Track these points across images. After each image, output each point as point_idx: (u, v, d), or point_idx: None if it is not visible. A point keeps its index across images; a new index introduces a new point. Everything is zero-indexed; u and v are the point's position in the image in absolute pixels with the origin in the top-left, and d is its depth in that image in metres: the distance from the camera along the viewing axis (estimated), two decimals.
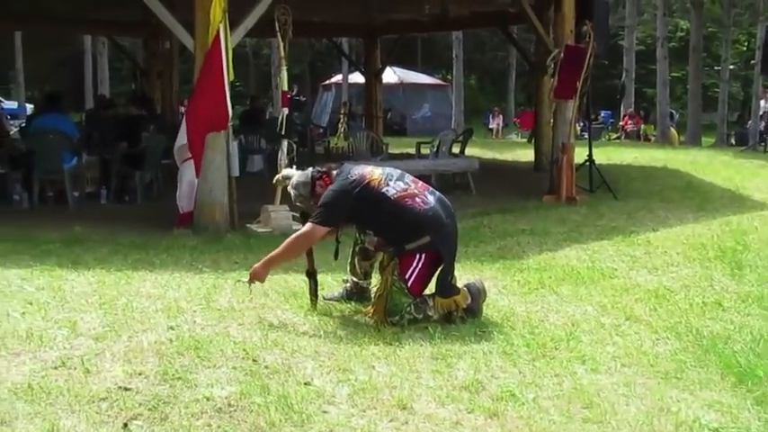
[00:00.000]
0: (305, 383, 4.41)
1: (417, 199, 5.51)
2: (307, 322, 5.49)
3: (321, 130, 22.85)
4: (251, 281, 5.65)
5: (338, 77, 34.01)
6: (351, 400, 4.22)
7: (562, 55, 11.68)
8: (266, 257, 5.67)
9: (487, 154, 19.24)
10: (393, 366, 4.68)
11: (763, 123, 24.56)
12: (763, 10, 29.59)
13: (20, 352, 4.78)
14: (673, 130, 28.93)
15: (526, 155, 17.87)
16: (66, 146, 11.23)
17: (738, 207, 10.79)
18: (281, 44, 9.57)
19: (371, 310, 5.55)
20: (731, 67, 32.98)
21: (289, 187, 5.91)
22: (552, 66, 11.94)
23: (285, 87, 9.90)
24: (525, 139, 25.96)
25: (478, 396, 4.29)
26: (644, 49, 37.23)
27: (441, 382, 4.47)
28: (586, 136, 14.76)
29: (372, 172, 5.56)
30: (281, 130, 9.68)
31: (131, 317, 5.53)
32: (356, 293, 5.97)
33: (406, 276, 5.46)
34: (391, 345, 5.03)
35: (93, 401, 4.10)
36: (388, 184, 5.49)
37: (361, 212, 5.54)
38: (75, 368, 4.53)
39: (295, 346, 4.97)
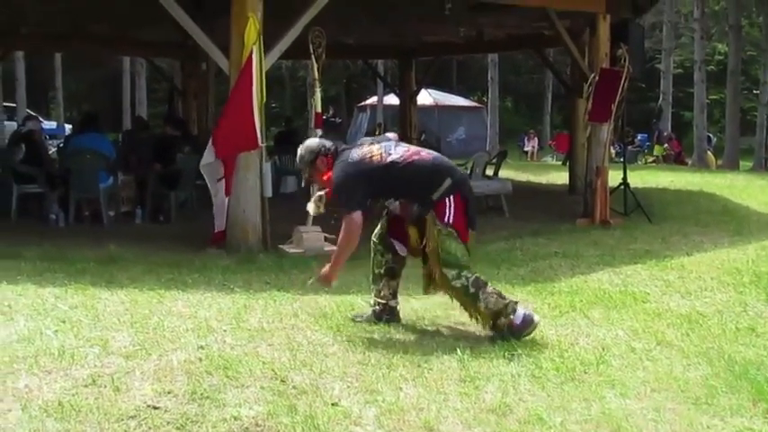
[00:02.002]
0: (332, 404, 4.41)
1: (422, 153, 5.77)
2: (335, 343, 5.50)
3: None
4: (322, 282, 5.83)
5: (373, 99, 34.16)
6: (378, 421, 4.22)
7: (597, 78, 11.66)
8: (332, 261, 5.75)
9: (522, 176, 19.19)
10: (421, 388, 4.67)
11: None
12: None
13: (51, 369, 4.83)
14: (710, 153, 28.69)
15: (561, 177, 17.80)
16: (102, 165, 11.37)
17: None
18: (315, 66, 9.65)
19: (431, 271, 5.70)
20: None
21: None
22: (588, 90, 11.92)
23: (319, 109, 9.97)
24: (560, 162, 25.89)
25: (506, 419, 4.28)
26: (682, 72, 37.02)
27: (468, 404, 4.46)
28: (622, 159, 14.67)
29: (371, 149, 5.71)
30: None
31: (162, 336, 5.57)
32: (386, 313, 5.97)
33: (446, 219, 5.58)
34: (419, 366, 5.02)
35: (122, 419, 4.13)
36: (390, 154, 5.65)
37: (377, 186, 5.66)
38: (106, 386, 4.57)
39: (323, 367, 4.98)
